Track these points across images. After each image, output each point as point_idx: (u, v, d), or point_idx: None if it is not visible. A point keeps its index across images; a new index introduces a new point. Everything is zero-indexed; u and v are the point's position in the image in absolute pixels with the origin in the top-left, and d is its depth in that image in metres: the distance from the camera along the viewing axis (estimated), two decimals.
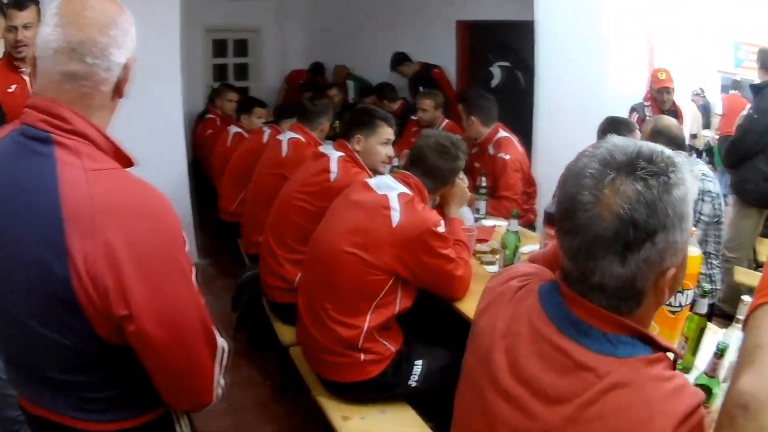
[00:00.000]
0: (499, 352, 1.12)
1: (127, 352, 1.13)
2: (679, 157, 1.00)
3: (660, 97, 4.46)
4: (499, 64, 6.31)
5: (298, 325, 2.40)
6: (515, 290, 1.19)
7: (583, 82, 4.22)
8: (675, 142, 2.85)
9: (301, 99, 4.71)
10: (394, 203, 2.15)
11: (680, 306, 2.18)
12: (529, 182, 3.91)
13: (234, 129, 5.00)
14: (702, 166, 2.93)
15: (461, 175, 2.56)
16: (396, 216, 2.12)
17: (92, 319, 1.08)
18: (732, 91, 8.16)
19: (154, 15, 3.84)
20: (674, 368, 1.05)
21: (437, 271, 2.20)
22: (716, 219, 2.95)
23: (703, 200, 2.88)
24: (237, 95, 5.83)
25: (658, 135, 2.87)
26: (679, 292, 2.15)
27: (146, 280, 1.08)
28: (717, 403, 1.63)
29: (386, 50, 6.77)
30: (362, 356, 2.16)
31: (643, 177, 0.96)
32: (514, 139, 3.83)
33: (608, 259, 0.98)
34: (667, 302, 2.12)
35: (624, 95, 4.41)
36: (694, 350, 2.01)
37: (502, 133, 3.82)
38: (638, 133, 3.41)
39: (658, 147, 1.01)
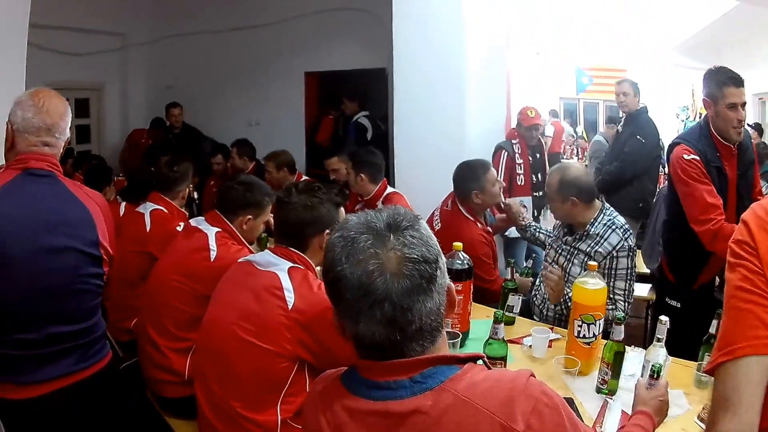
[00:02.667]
0: None
1: None
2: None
3: (528, 134, 4.64)
4: (364, 115, 6.30)
5: (200, 422, 2.16)
6: (319, 395, 1.25)
7: (441, 128, 4.30)
8: (585, 191, 2.88)
9: (148, 164, 4.43)
10: (286, 283, 1.98)
11: (594, 336, 2.32)
12: None
13: None
14: (620, 219, 2.90)
15: None
16: (291, 297, 1.95)
17: None
18: (554, 119, 9.12)
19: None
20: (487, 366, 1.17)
21: (342, 350, 1.96)
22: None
23: (629, 257, 2.80)
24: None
25: (569, 186, 2.87)
26: (591, 323, 2.30)
27: None
28: None
29: (235, 105, 6.67)
30: None
31: (405, 227, 1.11)
32: (402, 194, 3.86)
33: (421, 299, 1.08)
34: (581, 335, 2.32)
35: (482, 136, 4.53)
36: (616, 374, 2.14)
37: (390, 189, 3.87)
38: (494, 171, 3.52)
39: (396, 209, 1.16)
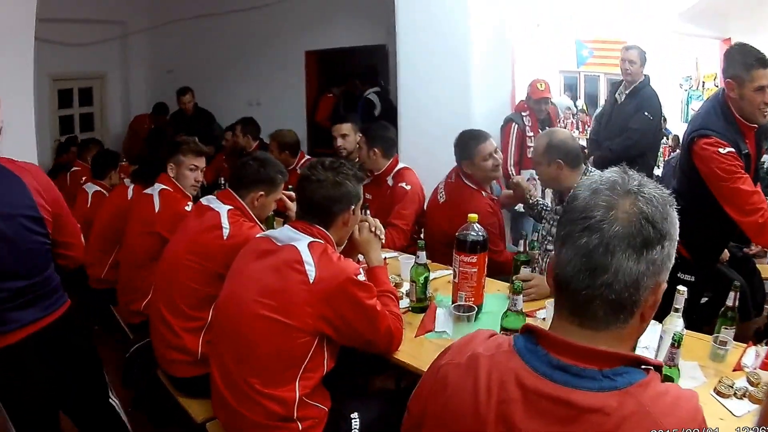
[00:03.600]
0: (490, 426, 1.06)
1: None
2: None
3: (538, 107, 4.61)
4: (374, 91, 6.26)
5: (214, 401, 2.15)
6: (474, 359, 1.14)
7: (447, 103, 4.29)
8: (571, 155, 2.85)
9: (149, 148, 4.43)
10: (307, 256, 1.96)
11: None
12: (424, 213, 3.86)
13: (93, 188, 4.61)
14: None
15: (363, 216, 2.41)
16: (312, 270, 1.93)
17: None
18: None
19: (5, 63, 3.44)
20: (662, 380, 1.08)
21: (364, 325, 2.03)
22: None
23: None
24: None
25: (555, 150, 2.84)
26: None
27: None
28: None
29: (236, 86, 6.66)
30: (299, 425, 1.98)
31: (648, 199, 1.04)
32: (413, 171, 3.82)
33: (627, 254, 1.01)
34: None
35: (488, 111, 4.49)
36: None
37: (402, 164, 3.82)
38: (492, 142, 3.43)
39: (651, 183, 1.08)
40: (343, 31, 6.18)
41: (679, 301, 2.04)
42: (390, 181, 3.76)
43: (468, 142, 3.38)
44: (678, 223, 1.07)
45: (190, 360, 2.57)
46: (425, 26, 4.36)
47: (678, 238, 1.07)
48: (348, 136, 4.31)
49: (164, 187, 3.43)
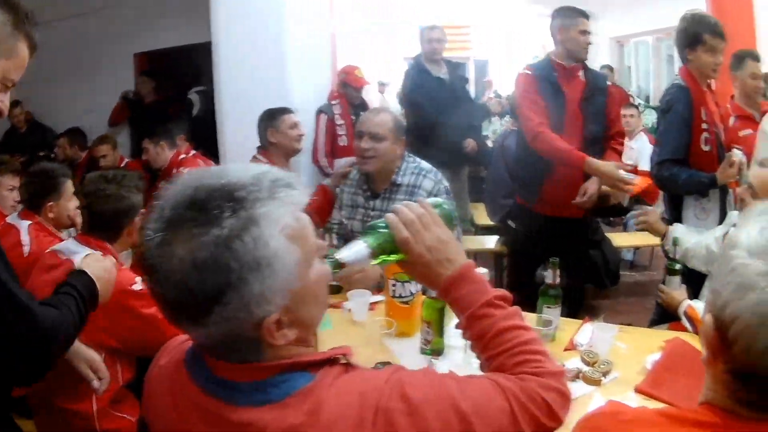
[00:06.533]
0: None
1: None
2: (252, 189, 0.87)
3: (356, 94, 4.74)
4: (196, 90, 6.25)
5: (35, 419, 2.18)
6: (165, 372, 1.06)
7: (265, 95, 4.18)
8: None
9: None
10: None
11: (411, 294, 2.19)
12: None
13: None
14: (425, 164, 2.85)
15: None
16: None
17: None
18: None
19: None
20: (347, 365, 0.99)
21: (149, 335, 1.89)
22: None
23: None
24: None
25: (401, 125, 2.85)
26: (407, 281, 2.17)
27: None
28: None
29: (72, 95, 6.47)
30: None
31: (194, 233, 0.84)
32: (201, 159, 4.02)
33: (187, 324, 0.91)
34: (397, 294, 2.18)
35: (307, 101, 4.49)
36: (440, 332, 2.03)
37: (184, 156, 4.03)
38: (291, 117, 3.53)
39: (222, 185, 0.87)
40: (169, 31, 6.11)
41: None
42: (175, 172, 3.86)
43: (273, 113, 3.49)
44: (256, 246, 0.85)
45: None
46: (241, 19, 4.34)
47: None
48: (107, 156, 4.59)
49: None
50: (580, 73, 3.44)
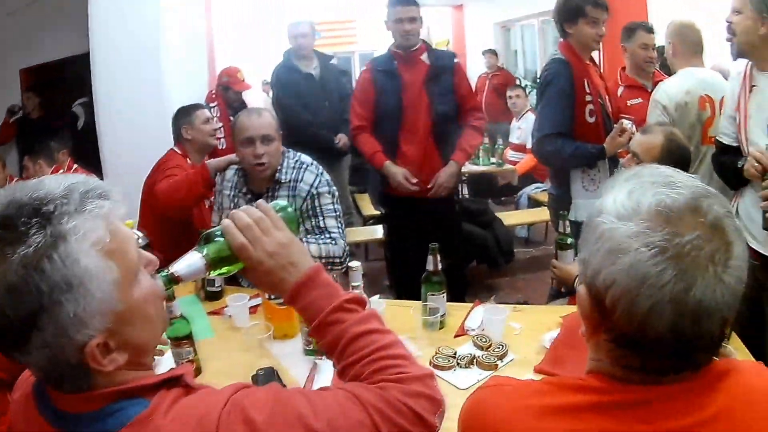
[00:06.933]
0: None
1: None
2: (60, 202, 0.81)
3: (235, 96, 4.81)
4: (80, 102, 6.17)
5: None
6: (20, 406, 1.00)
7: (144, 103, 4.30)
8: None
9: None
10: None
11: None
12: None
13: None
14: (305, 157, 2.78)
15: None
16: None
17: None
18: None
19: None
20: (187, 387, 0.93)
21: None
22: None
23: (331, 192, 2.71)
24: None
25: None
26: None
27: None
28: None
29: None
30: None
31: (5, 253, 0.78)
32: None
33: (12, 353, 0.84)
34: (273, 296, 2.12)
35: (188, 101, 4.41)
36: None
37: (63, 171, 3.94)
38: (205, 112, 3.59)
39: (32, 199, 0.81)
40: (51, 44, 5.98)
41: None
42: None
43: (186, 109, 3.51)
44: (65, 264, 0.80)
45: None
46: (118, 26, 4.36)
47: None
48: None
49: None
50: (423, 56, 3.59)
